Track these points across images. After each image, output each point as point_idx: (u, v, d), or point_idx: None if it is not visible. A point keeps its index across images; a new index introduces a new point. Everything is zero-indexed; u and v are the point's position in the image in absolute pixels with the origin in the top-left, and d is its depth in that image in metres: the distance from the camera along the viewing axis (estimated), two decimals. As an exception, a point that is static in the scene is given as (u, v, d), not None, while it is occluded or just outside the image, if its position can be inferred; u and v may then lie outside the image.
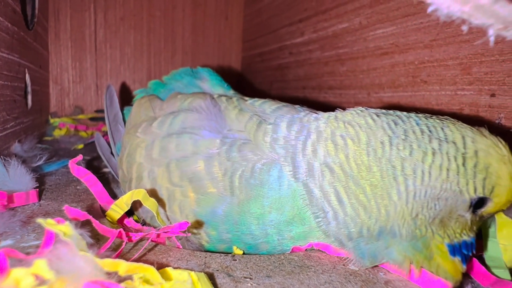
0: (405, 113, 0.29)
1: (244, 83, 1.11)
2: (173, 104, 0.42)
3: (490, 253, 0.30)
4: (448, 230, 0.27)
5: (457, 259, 0.27)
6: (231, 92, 0.48)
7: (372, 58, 0.60)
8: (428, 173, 0.26)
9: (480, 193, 0.26)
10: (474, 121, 0.44)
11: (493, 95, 0.42)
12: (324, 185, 0.28)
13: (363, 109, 0.30)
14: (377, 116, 0.29)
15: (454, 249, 0.27)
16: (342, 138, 0.28)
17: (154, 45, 1.01)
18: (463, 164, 0.26)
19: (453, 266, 0.26)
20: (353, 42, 0.64)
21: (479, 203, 0.27)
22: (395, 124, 0.28)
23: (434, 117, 0.29)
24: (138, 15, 0.98)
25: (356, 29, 0.63)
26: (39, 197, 0.39)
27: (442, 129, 0.27)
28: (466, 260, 0.27)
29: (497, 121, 0.41)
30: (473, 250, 0.28)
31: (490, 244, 0.31)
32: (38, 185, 0.39)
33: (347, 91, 0.67)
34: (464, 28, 0.19)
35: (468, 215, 0.27)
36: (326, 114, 0.32)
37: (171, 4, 1.01)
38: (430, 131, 0.27)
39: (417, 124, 0.28)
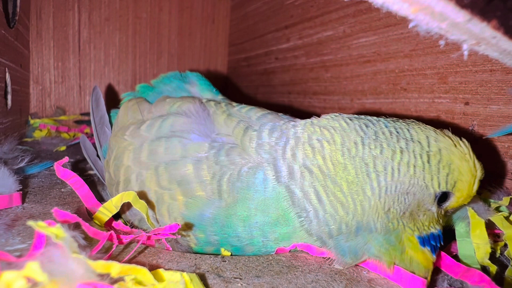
0: (374, 117, 0.32)
1: (230, 86, 1.12)
2: (162, 108, 0.42)
3: (464, 252, 0.32)
4: (417, 223, 0.29)
5: (427, 249, 0.29)
6: (219, 97, 0.48)
7: (355, 65, 0.62)
8: (397, 170, 0.28)
9: (443, 188, 0.28)
10: (449, 128, 0.47)
11: (467, 103, 0.44)
12: (305, 186, 0.30)
13: (337, 114, 0.33)
14: (350, 120, 0.31)
15: (424, 240, 0.29)
16: (318, 141, 0.30)
17: (140, 47, 1.00)
18: (428, 161, 0.28)
19: (424, 256, 0.28)
20: (337, 49, 0.66)
21: (443, 197, 0.29)
22: (366, 126, 0.30)
23: (400, 120, 0.31)
24: (123, 16, 0.97)
25: (340, 37, 0.65)
26: (23, 200, 0.38)
27: (408, 130, 0.30)
28: (435, 250, 0.29)
29: (470, 128, 0.44)
30: (440, 241, 0.30)
31: (464, 243, 0.33)
32: (21, 187, 0.38)
33: (331, 97, 0.69)
34: (441, 42, 0.21)
35: (434, 209, 0.29)
36: (303, 121, 0.34)
37: (158, 6, 1.01)
38: (397, 132, 0.29)
39: (386, 126, 0.30)
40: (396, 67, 0.54)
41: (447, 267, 0.31)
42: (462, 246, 0.33)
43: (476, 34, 0.20)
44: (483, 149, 0.42)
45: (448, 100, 0.47)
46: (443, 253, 0.31)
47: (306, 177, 0.29)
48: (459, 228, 0.34)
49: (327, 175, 0.29)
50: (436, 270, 0.31)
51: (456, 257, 0.32)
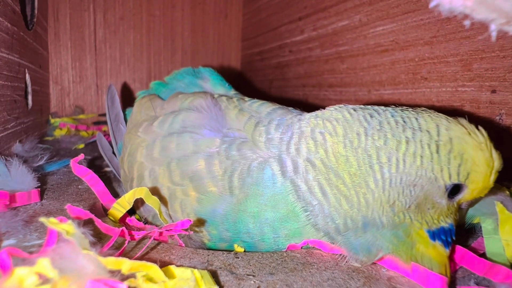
0: (382, 107, 0.30)
1: (244, 81, 1.11)
2: (174, 104, 0.42)
3: (492, 250, 0.30)
4: (426, 217, 0.27)
5: (438, 243, 0.27)
6: (232, 92, 0.48)
7: (372, 55, 0.60)
8: (402, 161, 0.26)
9: (455, 180, 0.26)
10: (474, 117, 0.44)
11: (494, 91, 0.42)
12: (309, 180, 0.29)
13: (342, 105, 0.32)
14: (354, 110, 0.30)
15: (434, 235, 0.27)
16: (321, 134, 0.30)
17: (154, 44, 1.01)
18: (437, 151, 0.26)
19: (436, 251, 0.27)
20: (353, 39, 0.64)
21: (455, 189, 0.27)
22: (371, 116, 0.29)
23: (410, 109, 0.30)
24: (137, 14, 0.98)
25: (356, 27, 0.63)
26: (41, 196, 0.39)
27: (416, 119, 0.28)
28: (448, 245, 0.27)
29: (497, 117, 0.41)
30: (452, 236, 0.28)
31: (492, 241, 0.31)
32: (39, 184, 0.39)
33: (348, 89, 0.67)
34: (467, 23, 0.19)
35: (445, 202, 0.27)
36: (308, 115, 0.33)
37: (170, 3, 1.01)
38: (404, 121, 0.28)
39: (392, 115, 0.29)
40: (415, 56, 0.52)
41: (470, 264, 0.29)
42: (489, 244, 0.31)
43: (506, 12, 0.18)
44: (512, 139, 0.40)
45: (473, 89, 0.44)
46: (464, 249, 0.29)
47: (309, 170, 0.29)
48: (486, 225, 0.32)
49: (329, 168, 0.28)
50: (461, 269, 0.29)
51: (483, 255, 0.30)
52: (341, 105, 0.32)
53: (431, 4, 0.19)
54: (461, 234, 0.33)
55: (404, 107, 0.30)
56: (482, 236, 0.32)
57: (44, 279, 0.19)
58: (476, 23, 0.21)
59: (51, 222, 0.21)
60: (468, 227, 0.34)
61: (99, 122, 0.91)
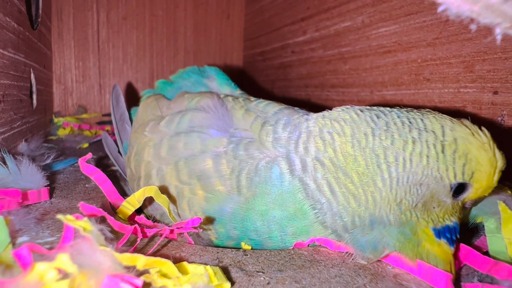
0: (388, 108, 0.31)
1: (246, 82, 1.12)
2: (180, 103, 0.42)
3: (495, 248, 0.31)
4: (432, 215, 0.28)
5: (443, 241, 0.28)
6: (238, 91, 0.48)
7: (375, 56, 0.61)
8: (409, 160, 0.27)
9: (460, 179, 0.27)
10: (476, 119, 0.45)
11: (496, 93, 0.42)
12: (318, 178, 0.30)
13: (349, 106, 0.32)
14: (361, 111, 0.31)
15: (439, 233, 0.28)
16: (329, 134, 0.30)
17: (157, 44, 1.02)
18: (442, 151, 0.27)
19: (441, 249, 0.28)
20: (356, 40, 0.65)
21: (460, 188, 0.28)
22: (378, 117, 0.30)
23: (415, 110, 0.30)
24: (140, 14, 0.99)
25: (358, 28, 0.64)
26: (50, 195, 0.40)
27: (421, 120, 0.29)
28: (452, 243, 0.28)
29: (499, 118, 0.42)
30: (456, 234, 0.29)
31: (495, 239, 0.31)
32: (49, 183, 0.40)
33: (350, 89, 0.68)
34: (473, 27, 0.20)
35: (450, 200, 0.28)
36: (315, 115, 0.34)
37: (173, 4, 1.02)
38: (410, 122, 0.29)
39: (398, 116, 0.29)
40: (418, 57, 0.52)
41: (473, 262, 0.29)
42: (492, 242, 0.31)
43: (511, 17, 0.19)
44: (513, 140, 0.40)
45: (475, 90, 0.45)
46: (468, 248, 0.30)
47: (318, 169, 0.30)
48: (489, 224, 0.32)
49: (338, 167, 0.29)
50: (465, 266, 0.30)
51: (486, 254, 0.31)
52: (347, 106, 0.32)
53: (440, 9, 0.20)
54: (465, 233, 0.34)
55: (409, 108, 0.31)
56: (485, 235, 0.32)
57: (64, 274, 0.20)
58: (480, 27, 0.22)
59: (68, 219, 0.22)
60: (472, 227, 0.34)
61: (102, 122, 0.91)
